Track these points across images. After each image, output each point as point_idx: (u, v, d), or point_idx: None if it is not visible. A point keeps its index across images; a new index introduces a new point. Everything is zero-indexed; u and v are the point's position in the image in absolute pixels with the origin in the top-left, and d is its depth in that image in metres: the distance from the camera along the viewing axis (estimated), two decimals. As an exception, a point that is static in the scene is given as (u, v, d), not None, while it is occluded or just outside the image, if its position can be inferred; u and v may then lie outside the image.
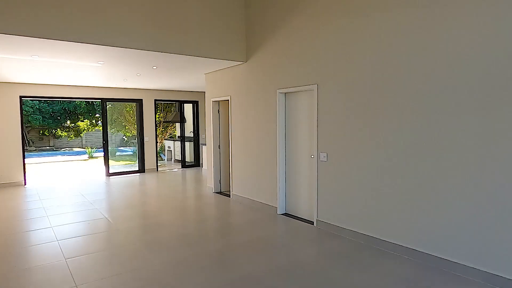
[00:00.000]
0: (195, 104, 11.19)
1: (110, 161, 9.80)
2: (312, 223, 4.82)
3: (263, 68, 5.51)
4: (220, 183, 7.16)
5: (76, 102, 19.89)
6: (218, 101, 6.97)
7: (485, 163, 2.96)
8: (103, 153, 9.69)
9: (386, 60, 3.69)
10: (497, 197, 2.90)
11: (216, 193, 7.06)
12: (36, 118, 19.55)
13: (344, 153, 4.23)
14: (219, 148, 7.11)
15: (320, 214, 4.61)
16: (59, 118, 20.53)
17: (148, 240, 4.25)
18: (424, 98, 3.36)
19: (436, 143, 3.30)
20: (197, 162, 11.36)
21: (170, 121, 14.02)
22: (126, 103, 12.95)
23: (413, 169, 3.50)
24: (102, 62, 5.71)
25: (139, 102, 10.08)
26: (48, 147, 21.24)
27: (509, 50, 2.77)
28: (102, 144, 9.69)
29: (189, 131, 11.88)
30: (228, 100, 6.53)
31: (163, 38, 4.94)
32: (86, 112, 20.93)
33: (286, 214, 5.31)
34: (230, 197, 6.60)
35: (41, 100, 18.76)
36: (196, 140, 11.28)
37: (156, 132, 10.43)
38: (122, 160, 13.92)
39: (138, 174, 9.97)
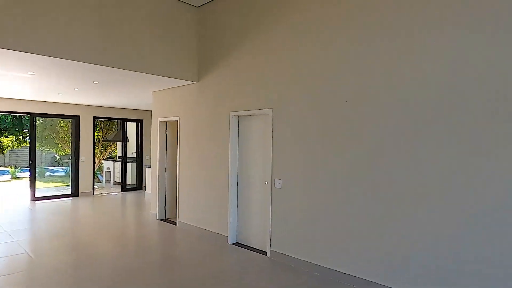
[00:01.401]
0: (139, 123, 10.54)
1: (37, 183, 8.68)
2: (265, 253, 4.57)
3: (216, 89, 5.30)
4: (165, 209, 6.63)
5: (0, 115, 17.77)
6: (166, 121, 6.57)
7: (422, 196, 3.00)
8: (29, 173, 8.57)
9: (338, 87, 3.70)
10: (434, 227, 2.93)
11: (161, 220, 6.52)
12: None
13: (300, 180, 4.10)
14: (166, 171, 6.64)
15: (274, 244, 4.39)
16: (-23, 132, 18.11)
17: (78, 278, 3.65)
18: (375, 127, 3.39)
19: (389, 174, 3.31)
20: (139, 185, 10.58)
21: (110, 140, 13.05)
22: (61, 119, 11.80)
23: (369, 200, 3.46)
24: (32, 73, 5.05)
25: (76, 118, 9.21)
26: (-39, 165, 18.51)
27: (450, 78, 2.89)
28: (29, 164, 8.58)
29: (131, 152, 11.10)
30: (177, 121, 6.17)
31: (108, 51, 4.52)
32: (11, 127, 18.75)
33: (237, 244, 5.00)
34: (176, 225, 6.11)
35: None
36: (139, 161, 10.55)
37: (94, 152, 9.55)
38: (53, 182, 12.53)
39: (71, 198, 8.96)
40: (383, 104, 3.37)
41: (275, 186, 4.37)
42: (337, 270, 3.70)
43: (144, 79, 5.43)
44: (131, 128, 11.02)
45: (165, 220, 6.52)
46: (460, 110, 2.89)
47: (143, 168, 10.52)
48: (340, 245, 3.69)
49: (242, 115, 4.95)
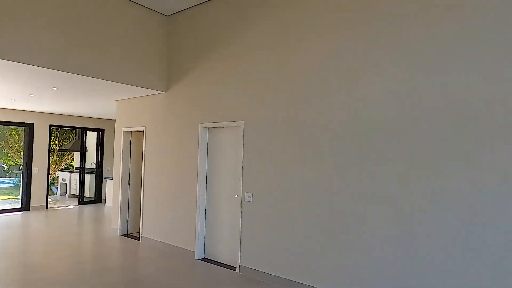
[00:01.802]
0: (100, 132, 10.05)
1: (-18, 196, 7.93)
2: (234, 269, 4.45)
3: (185, 99, 5.18)
4: (127, 224, 6.30)
5: None
6: (131, 131, 6.31)
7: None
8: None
9: (307, 101, 3.75)
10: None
11: (122, 235, 6.18)
12: None
13: (271, 194, 4.07)
14: (129, 183, 6.34)
15: (243, 259, 4.29)
16: None
17: (30, 305, 3.31)
18: (341, 142, 3.46)
19: (356, 186, 3.38)
20: (98, 198, 10.02)
21: (67, 150, 12.30)
22: (12, 127, 10.97)
23: (336, 215, 3.50)
24: (-17, 77, 4.64)
25: (30, 126, 8.59)
26: None
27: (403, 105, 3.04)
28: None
29: (90, 162, 10.52)
30: (143, 131, 5.94)
31: (71, 57, 4.27)
32: (-47, 134, 17.13)
33: (205, 259, 4.83)
34: (139, 240, 5.82)
35: None
36: (98, 172, 10.01)
37: (49, 162, 8.94)
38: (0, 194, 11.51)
39: (21, 212, 8.27)
40: (343, 122, 3.46)
41: (246, 200, 4.31)
42: (311, 285, 3.67)
43: (109, 87, 5.19)
44: (91, 137, 10.48)
45: (127, 235, 6.19)
46: (411, 135, 3.03)
47: (103, 180, 9.99)
48: (313, 259, 3.69)
49: (212, 127, 4.87)
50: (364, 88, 3.41)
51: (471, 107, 2.83)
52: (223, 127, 4.75)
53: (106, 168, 10.06)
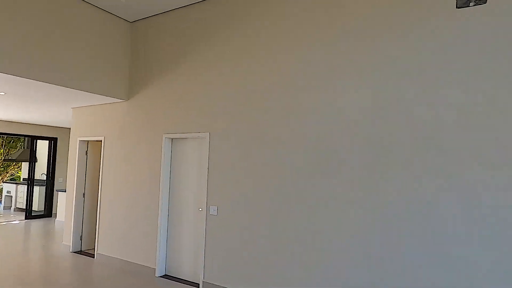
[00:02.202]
0: (53, 141, 9.41)
1: None
2: (197, 285, 4.28)
3: (148, 109, 4.99)
4: (81, 239, 5.88)
5: None
6: (87, 141, 5.95)
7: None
8: None
9: (272, 114, 3.76)
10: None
11: (75, 252, 5.74)
12: None
13: (236, 207, 3.99)
14: (84, 196, 5.94)
15: (207, 275, 4.14)
16: None
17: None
18: (304, 156, 3.50)
19: (315, 199, 3.41)
20: (48, 212, 9.31)
21: (14, 159, 11.37)
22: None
23: (301, 229, 3.50)
24: None
25: (-29, 134, 7.83)
26: None
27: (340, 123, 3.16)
28: None
29: (40, 173, 9.79)
30: (101, 141, 5.63)
31: (21, 59, 3.96)
32: None
33: (166, 276, 4.61)
34: (94, 257, 5.44)
35: None
36: (49, 184, 9.33)
37: (-8, 173, 8.18)
38: None
39: (-44, 229, 7.44)
40: (306, 136, 3.51)
41: (210, 213, 4.19)
42: (274, 299, 3.62)
43: (64, 94, 4.88)
44: (42, 146, 9.78)
45: (80, 252, 5.76)
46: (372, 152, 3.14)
47: (55, 193, 9.32)
48: (278, 274, 3.64)
49: (177, 138, 4.72)
50: (331, 102, 3.48)
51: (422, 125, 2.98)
52: (188, 138, 4.63)
53: (58, 179, 9.40)
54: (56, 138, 9.42)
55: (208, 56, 4.41)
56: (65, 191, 6.59)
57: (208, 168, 4.25)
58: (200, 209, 4.41)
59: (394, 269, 3.04)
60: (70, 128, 6.14)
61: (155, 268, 4.64)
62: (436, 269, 2.87)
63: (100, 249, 5.34)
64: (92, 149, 6.04)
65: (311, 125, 3.57)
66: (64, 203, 8.22)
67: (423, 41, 3.05)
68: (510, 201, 2.64)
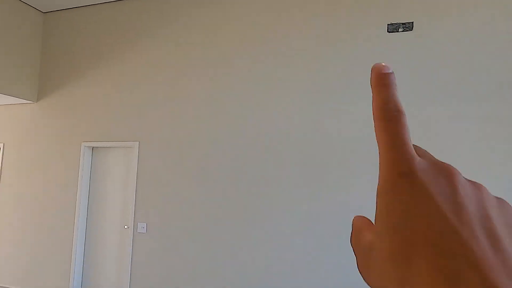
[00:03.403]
0: None
1: None
2: (121, 313, 3.83)
3: (63, 113, 4.36)
4: (-32, 267, 4.84)
5: None
6: (-19, 147, 4.97)
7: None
8: None
9: (203, 124, 3.62)
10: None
11: (-41, 284, 4.70)
12: None
13: (169, 224, 3.69)
14: (-27, 214, 4.92)
15: (133, 300, 3.74)
16: None
17: None
18: (235, 169, 3.44)
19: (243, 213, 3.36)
20: None
21: None
22: None
23: (236, 247, 3.40)
24: None
25: None
26: None
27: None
28: None
29: None
30: (0, 148, 4.74)
31: None
32: None
33: (82, 306, 4.04)
34: (-14, 288, 4.51)
35: None
36: None
37: None
38: None
39: None
40: (236, 148, 3.47)
41: (138, 231, 3.80)
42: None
43: (-49, 91, 3.99)
44: None
45: (-34, 283, 4.73)
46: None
47: None
48: (213, 293, 3.44)
49: (98, 147, 4.21)
50: (260, 114, 3.46)
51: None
52: (113, 147, 4.16)
53: None
54: None
55: (136, 57, 4.05)
56: None
57: (136, 181, 3.87)
58: (126, 227, 3.98)
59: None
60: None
61: (68, 296, 4.03)
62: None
63: (-5, 278, 4.46)
64: (-14, 157, 5.06)
65: (239, 137, 3.50)
66: None
67: (355, 61, 3.23)
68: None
